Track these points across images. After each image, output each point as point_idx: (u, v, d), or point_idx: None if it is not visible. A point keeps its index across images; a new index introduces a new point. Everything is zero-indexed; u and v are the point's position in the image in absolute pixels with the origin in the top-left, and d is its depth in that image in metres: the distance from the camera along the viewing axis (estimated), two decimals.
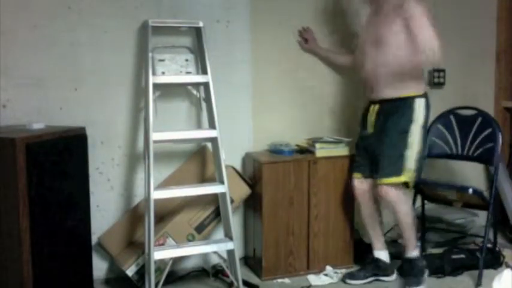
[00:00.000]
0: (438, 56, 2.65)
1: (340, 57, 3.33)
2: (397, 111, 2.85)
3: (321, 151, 3.11)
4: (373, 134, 2.95)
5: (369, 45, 2.91)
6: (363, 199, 3.04)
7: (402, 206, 2.87)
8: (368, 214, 3.05)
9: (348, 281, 2.99)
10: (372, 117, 2.95)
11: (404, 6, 2.71)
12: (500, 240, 3.59)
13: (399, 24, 2.76)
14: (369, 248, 3.14)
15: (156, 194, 2.70)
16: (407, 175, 2.83)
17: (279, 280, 3.07)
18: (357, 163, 3.06)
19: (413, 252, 2.93)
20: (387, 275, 3.06)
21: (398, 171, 2.82)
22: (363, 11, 3.11)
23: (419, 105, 2.85)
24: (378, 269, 3.05)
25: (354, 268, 3.15)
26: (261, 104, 3.33)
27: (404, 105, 2.85)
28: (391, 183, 2.82)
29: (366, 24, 3.04)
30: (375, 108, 2.94)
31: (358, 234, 3.35)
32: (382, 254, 3.08)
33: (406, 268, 2.94)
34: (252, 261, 3.24)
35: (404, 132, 2.83)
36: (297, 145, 3.25)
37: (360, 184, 3.02)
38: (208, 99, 2.90)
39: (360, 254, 3.20)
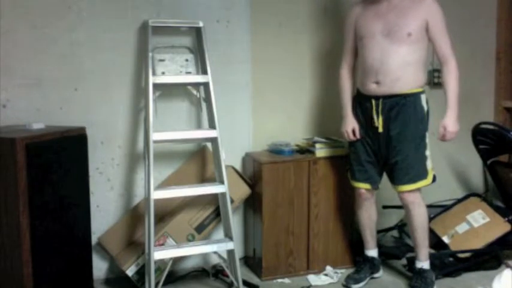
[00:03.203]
0: (456, 73, 2.78)
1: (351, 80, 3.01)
2: (408, 109, 2.77)
3: (320, 151, 3.11)
4: (383, 135, 2.81)
5: (377, 36, 2.75)
6: (368, 204, 3.00)
7: (422, 208, 2.86)
8: (368, 216, 3.04)
9: (354, 286, 2.97)
10: (377, 115, 2.80)
11: (424, 3, 2.72)
12: None
13: (419, 18, 2.72)
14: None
15: (156, 194, 2.70)
16: (431, 175, 2.83)
17: (279, 280, 3.07)
18: (362, 172, 2.92)
19: (425, 264, 2.92)
20: (378, 272, 3.10)
21: (425, 174, 2.81)
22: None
23: (425, 101, 2.82)
24: (373, 267, 3.07)
25: (351, 270, 3.15)
26: (260, 104, 3.33)
27: (411, 102, 2.77)
28: (417, 188, 2.82)
29: (366, 17, 2.82)
30: (379, 104, 2.78)
31: (358, 235, 3.34)
32: (374, 252, 3.10)
33: (416, 280, 2.89)
34: (252, 261, 3.24)
35: (424, 132, 2.81)
36: (297, 145, 3.25)
37: (367, 193, 2.96)
38: (208, 99, 2.90)
39: (360, 255, 3.20)
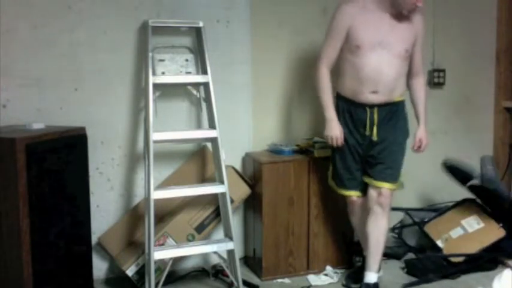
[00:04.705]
0: (425, 86, 2.98)
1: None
2: (399, 114, 2.82)
3: (320, 151, 3.11)
4: (375, 142, 2.79)
5: (376, 47, 2.70)
6: (360, 210, 2.97)
7: (388, 213, 2.86)
8: (363, 221, 3.01)
9: (354, 286, 2.96)
10: (372, 123, 2.77)
11: (415, 18, 2.75)
12: None
13: (413, 35, 2.77)
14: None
15: (156, 194, 2.70)
16: (399, 181, 2.88)
17: (279, 280, 3.08)
18: (352, 181, 2.89)
19: (376, 276, 2.87)
20: (378, 271, 3.06)
21: (397, 178, 2.84)
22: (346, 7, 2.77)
23: (405, 107, 2.89)
24: None
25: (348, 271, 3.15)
26: (261, 104, 3.33)
27: (401, 109, 2.84)
28: (391, 189, 2.82)
29: (362, 24, 2.72)
30: (373, 112, 2.76)
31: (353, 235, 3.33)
32: None
33: None
34: (252, 261, 3.24)
35: (407, 138, 2.87)
36: (297, 145, 3.25)
37: (358, 199, 2.93)
38: (208, 99, 2.90)
39: (358, 256, 3.20)
